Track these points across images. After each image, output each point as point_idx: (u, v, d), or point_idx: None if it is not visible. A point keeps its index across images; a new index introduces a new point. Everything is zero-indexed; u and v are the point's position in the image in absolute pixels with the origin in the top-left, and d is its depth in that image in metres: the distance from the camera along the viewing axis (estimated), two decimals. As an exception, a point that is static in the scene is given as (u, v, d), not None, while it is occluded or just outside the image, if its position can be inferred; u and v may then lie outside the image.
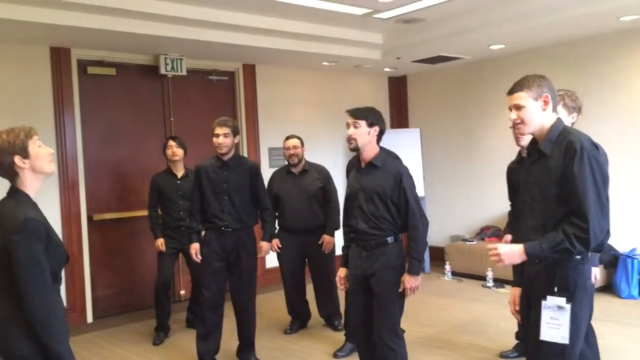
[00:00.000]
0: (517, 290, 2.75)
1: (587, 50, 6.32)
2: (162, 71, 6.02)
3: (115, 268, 5.96)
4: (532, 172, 2.56)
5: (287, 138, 5.10)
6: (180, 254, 5.14)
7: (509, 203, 4.08)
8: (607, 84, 6.19)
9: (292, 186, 5.04)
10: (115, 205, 5.97)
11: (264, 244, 4.47)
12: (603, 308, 5.15)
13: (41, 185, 2.28)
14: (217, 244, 4.19)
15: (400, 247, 3.35)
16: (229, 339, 4.48)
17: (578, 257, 2.39)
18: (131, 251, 6.04)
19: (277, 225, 5.05)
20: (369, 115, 3.30)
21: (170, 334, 5.16)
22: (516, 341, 4.34)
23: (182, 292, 6.20)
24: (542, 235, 2.41)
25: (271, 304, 5.92)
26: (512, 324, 4.44)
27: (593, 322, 3.03)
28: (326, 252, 5.01)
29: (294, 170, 5.10)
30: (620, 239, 5.81)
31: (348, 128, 3.32)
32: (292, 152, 5.03)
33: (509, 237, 3.77)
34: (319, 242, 4.98)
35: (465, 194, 7.67)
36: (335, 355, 4.50)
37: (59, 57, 5.52)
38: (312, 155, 5.59)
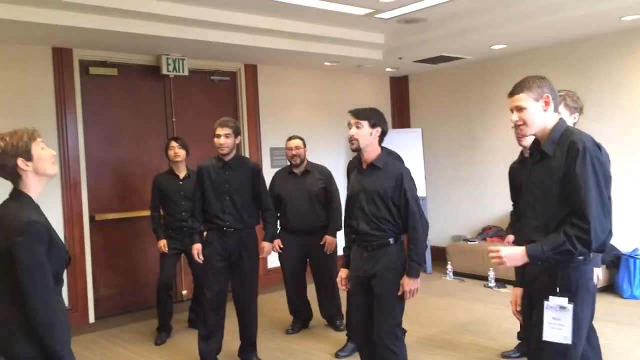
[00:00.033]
0: (518, 291, 2.75)
1: (589, 50, 6.32)
2: (164, 71, 6.03)
3: (117, 268, 5.97)
4: (535, 172, 2.56)
5: (290, 138, 5.11)
6: (183, 255, 5.15)
7: (511, 203, 4.08)
8: (608, 84, 6.18)
9: (294, 187, 5.05)
10: (117, 205, 5.98)
11: (265, 244, 4.47)
12: (605, 308, 5.15)
13: (44, 187, 2.28)
14: (218, 244, 4.20)
15: (402, 248, 3.35)
16: (231, 339, 4.49)
17: (580, 257, 2.39)
18: (133, 251, 6.05)
19: (279, 226, 5.06)
20: (372, 116, 3.30)
21: (172, 334, 5.16)
22: (518, 341, 4.34)
23: (184, 292, 6.21)
24: (545, 235, 2.42)
25: (273, 304, 5.92)
26: (513, 324, 4.44)
27: (595, 323, 3.03)
28: (328, 253, 5.01)
29: (296, 170, 5.10)
30: (623, 239, 5.80)
31: (350, 128, 3.31)
32: (294, 152, 5.03)
33: (511, 237, 3.78)
34: (321, 243, 4.99)
35: (467, 194, 7.67)
36: (337, 355, 4.50)
37: (61, 57, 5.53)
38: (314, 155, 5.59)
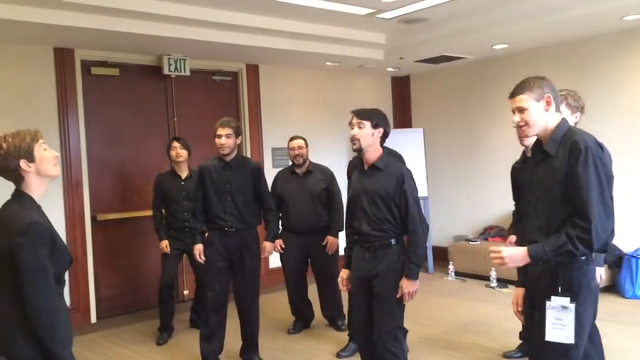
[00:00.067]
0: (520, 291, 2.75)
1: (589, 50, 6.32)
2: (166, 71, 6.03)
3: (118, 268, 5.97)
4: (537, 172, 2.55)
5: (292, 139, 5.11)
6: (184, 255, 5.15)
7: (513, 203, 4.07)
8: (608, 84, 6.18)
9: (296, 187, 5.05)
10: (119, 205, 5.98)
11: (267, 244, 4.47)
12: (607, 308, 5.15)
13: (46, 188, 2.28)
14: (220, 244, 4.20)
15: (403, 249, 3.34)
16: (233, 339, 4.49)
17: (582, 258, 2.39)
18: (135, 251, 6.06)
19: (280, 226, 5.06)
20: (374, 117, 3.30)
21: (173, 334, 5.17)
22: (520, 341, 4.34)
23: (186, 292, 6.22)
24: (547, 235, 2.41)
25: (274, 304, 5.93)
26: (515, 324, 4.44)
27: (597, 322, 3.03)
28: (330, 253, 5.02)
29: (298, 170, 5.10)
30: (625, 239, 5.79)
31: (352, 128, 3.31)
32: (296, 152, 5.03)
33: (513, 237, 3.78)
34: (323, 243, 4.99)
35: (468, 193, 7.66)
36: (338, 355, 4.50)
37: (62, 57, 5.54)
38: (315, 155, 5.59)
